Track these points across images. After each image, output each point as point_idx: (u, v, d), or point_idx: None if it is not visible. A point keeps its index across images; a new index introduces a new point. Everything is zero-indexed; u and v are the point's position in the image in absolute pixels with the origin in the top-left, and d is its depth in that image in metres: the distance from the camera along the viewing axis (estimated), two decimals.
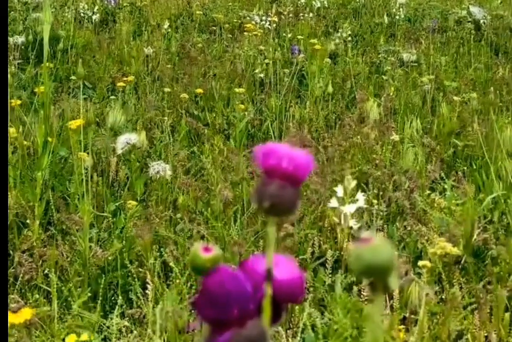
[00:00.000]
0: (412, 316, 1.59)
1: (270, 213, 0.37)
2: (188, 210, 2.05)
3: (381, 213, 1.88)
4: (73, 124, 1.91)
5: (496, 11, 4.69)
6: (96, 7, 4.49)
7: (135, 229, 1.74)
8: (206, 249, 0.38)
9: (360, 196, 1.17)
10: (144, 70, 3.49)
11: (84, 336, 1.18)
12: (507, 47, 4.20)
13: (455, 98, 2.83)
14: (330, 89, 2.89)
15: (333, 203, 1.22)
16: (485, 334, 1.58)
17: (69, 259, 1.71)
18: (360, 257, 0.35)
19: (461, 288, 1.72)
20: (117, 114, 2.17)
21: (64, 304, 1.57)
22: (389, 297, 1.60)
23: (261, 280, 0.36)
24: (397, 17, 4.45)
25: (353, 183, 1.13)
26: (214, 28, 4.24)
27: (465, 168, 2.39)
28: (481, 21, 4.42)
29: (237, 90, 2.89)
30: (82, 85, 2.13)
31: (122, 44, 3.82)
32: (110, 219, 1.98)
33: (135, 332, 1.39)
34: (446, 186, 2.01)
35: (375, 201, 1.86)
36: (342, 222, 1.19)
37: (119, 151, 2.14)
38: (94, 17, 4.37)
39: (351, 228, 1.31)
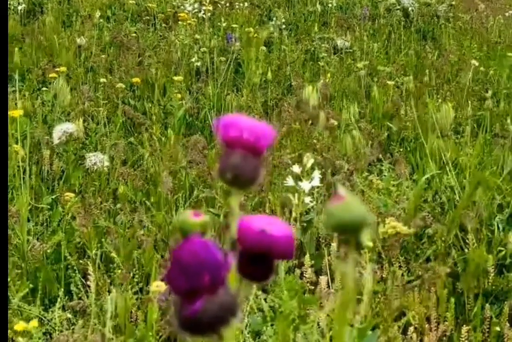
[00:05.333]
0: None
1: (233, 184, 0.37)
2: (128, 200, 2.02)
3: (321, 197, 1.91)
4: (13, 114, 1.85)
5: None
6: None
7: (77, 219, 1.70)
8: (196, 214, 0.39)
9: (317, 174, 1.18)
10: (76, 61, 3.40)
11: (34, 322, 1.15)
12: (434, 34, 4.32)
13: (389, 82, 2.89)
14: (269, 76, 2.90)
15: (289, 181, 1.23)
16: (425, 311, 1.63)
17: None
18: (332, 214, 0.36)
19: (400, 266, 1.76)
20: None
21: None
22: (331, 280, 1.63)
23: (256, 238, 0.37)
24: (330, 5, 4.50)
25: (311, 161, 1.14)
26: (148, 18, 4.18)
27: (401, 150, 2.45)
28: (410, 8, 4.52)
29: (175, 78, 2.87)
30: (17, 75, 2.06)
31: (51, 35, 3.72)
32: (46, 212, 1.93)
33: (78, 323, 1.36)
34: (382, 168, 2.06)
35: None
36: (296, 200, 1.20)
37: (56, 141, 2.08)
38: (20, 7, 4.22)
39: (305, 204, 1.33)
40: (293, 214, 1.33)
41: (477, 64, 2.87)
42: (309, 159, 1.14)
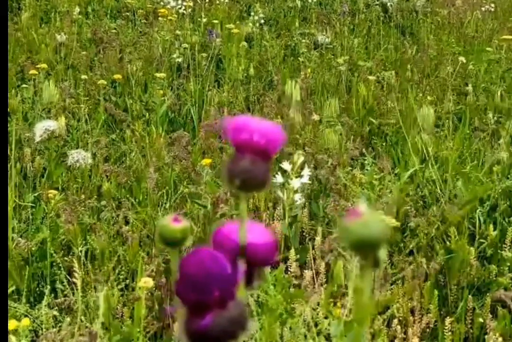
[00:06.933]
0: (340, 289, 1.63)
1: (241, 189, 0.36)
2: (112, 197, 2.01)
3: (304, 191, 1.92)
4: None
5: None
6: None
7: (63, 216, 1.69)
8: (176, 220, 0.37)
9: (306, 172, 1.18)
10: (56, 57, 3.37)
11: (26, 320, 1.14)
12: (413, 29, 4.35)
13: (370, 77, 2.91)
14: (252, 71, 2.90)
15: (278, 178, 1.23)
16: (409, 304, 1.65)
17: None
18: (349, 231, 0.34)
19: None
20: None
21: None
22: (316, 274, 1.64)
23: (236, 247, 0.36)
24: (309, 0, 4.50)
25: (301, 158, 1.14)
26: (127, 14, 4.15)
27: (383, 144, 2.47)
28: (388, 4, 4.55)
29: (157, 75, 2.85)
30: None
31: (29, 32, 3.68)
32: (29, 209, 1.92)
33: (65, 320, 1.36)
34: (364, 162, 2.07)
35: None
36: (285, 197, 1.20)
37: (38, 139, 2.06)
38: None
39: (293, 202, 1.34)
40: (282, 211, 1.33)
41: (464, 61, 2.89)
42: (299, 157, 1.14)
